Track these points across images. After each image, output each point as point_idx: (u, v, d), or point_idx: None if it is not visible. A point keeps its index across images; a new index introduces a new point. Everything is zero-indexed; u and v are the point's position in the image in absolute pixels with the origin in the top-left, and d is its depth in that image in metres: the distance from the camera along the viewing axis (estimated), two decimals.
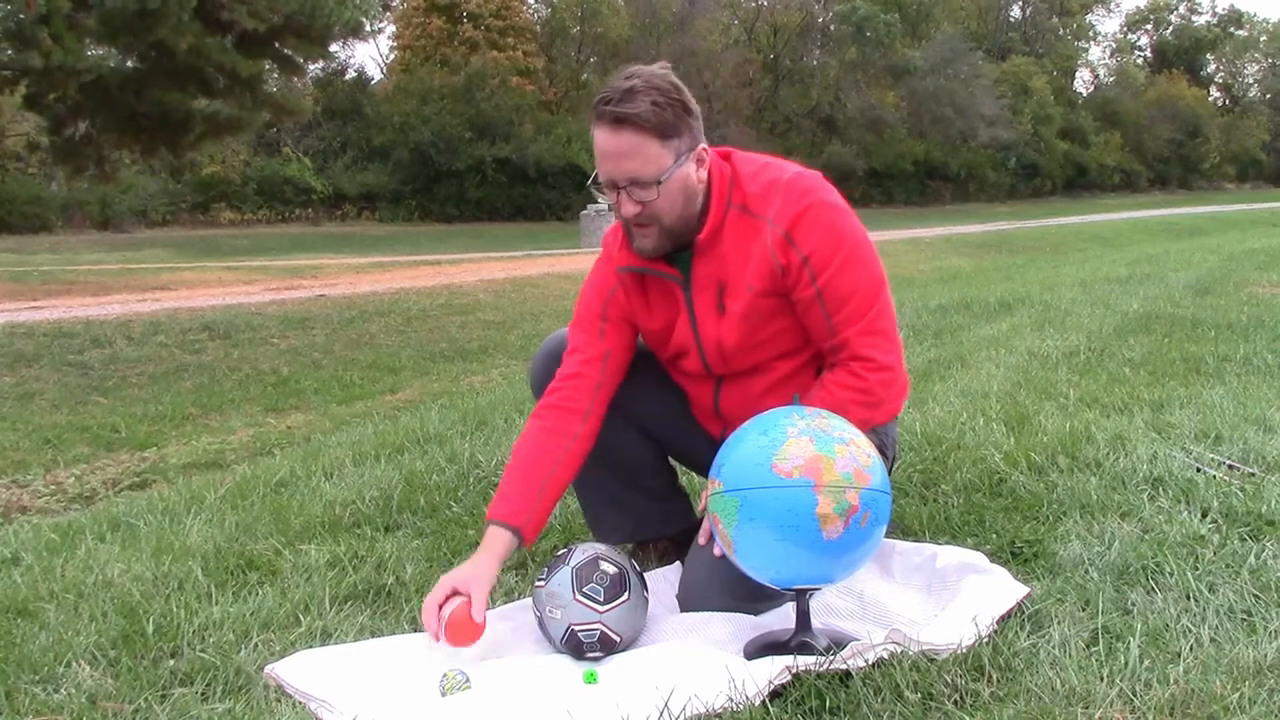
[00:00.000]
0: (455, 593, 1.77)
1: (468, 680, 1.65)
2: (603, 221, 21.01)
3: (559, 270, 14.35)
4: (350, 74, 35.78)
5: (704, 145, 1.84)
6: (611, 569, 1.77)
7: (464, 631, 1.73)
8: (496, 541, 1.86)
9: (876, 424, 1.94)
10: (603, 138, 1.77)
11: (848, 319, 1.84)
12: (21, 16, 8.74)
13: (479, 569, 1.82)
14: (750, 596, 1.83)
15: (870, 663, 1.54)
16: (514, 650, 1.81)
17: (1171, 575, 1.83)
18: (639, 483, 2.16)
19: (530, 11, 39.86)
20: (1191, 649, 1.55)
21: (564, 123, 35.13)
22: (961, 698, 1.47)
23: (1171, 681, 1.44)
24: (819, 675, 1.52)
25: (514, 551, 1.90)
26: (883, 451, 1.80)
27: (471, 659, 1.75)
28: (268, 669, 1.73)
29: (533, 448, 1.94)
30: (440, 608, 1.76)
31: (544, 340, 2.19)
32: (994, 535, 2.13)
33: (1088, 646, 1.59)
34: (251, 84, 10.80)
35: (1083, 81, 60.51)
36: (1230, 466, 2.45)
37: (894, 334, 1.90)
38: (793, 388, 1.93)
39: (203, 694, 1.67)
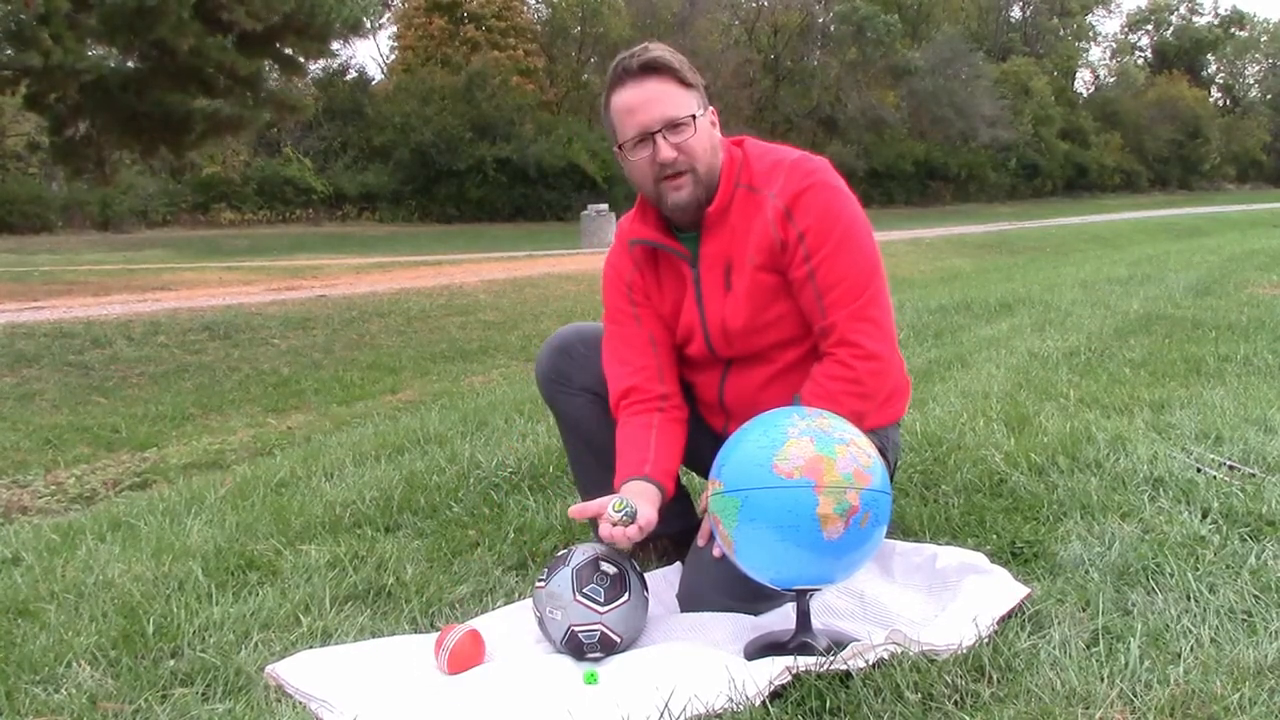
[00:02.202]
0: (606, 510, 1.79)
1: (626, 508, 1.74)
2: (603, 222, 21.03)
3: (559, 271, 14.35)
4: (351, 74, 35.84)
5: (712, 108, 1.91)
6: (611, 569, 1.77)
7: (466, 660, 1.73)
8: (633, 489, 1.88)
9: (876, 423, 1.94)
10: (629, 93, 1.83)
11: (837, 301, 1.86)
12: (22, 16, 8.74)
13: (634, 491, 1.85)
14: (750, 597, 1.83)
15: (870, 663, 1.54)
16: (513, 650, 1.81)
17: (1172, 576, 1.83)
18: None
19: (531, 12, 39.90)
20: (1192, 649, 1.55)
21: (564, 123, 35.15)
22: (962, 698, 1.46)
23: (1172, 682, 1.44)
24: (819, 675, 1.52)
25: (660, 498, 1.90)
26: (883, 454, 1.80)
27: None
28: (268, 669, 1.73)
29: (625, 432, 1.97)
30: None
31: (554, 333, 2.21)
32: (994, 536, 2.13)
33: (1088, 647, 1.59)
34: (252, 83, 10.80)
35: (1083, 82, 60.64)
36: (1230, 467, 2.45)
37: (886, 324, 1.90)
38: (797, 377, 1.94)
39: (203, 694, 1.67)
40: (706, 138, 1.87)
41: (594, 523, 2.20)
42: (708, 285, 1.95)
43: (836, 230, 1.85)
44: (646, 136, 1.83)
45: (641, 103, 1.82)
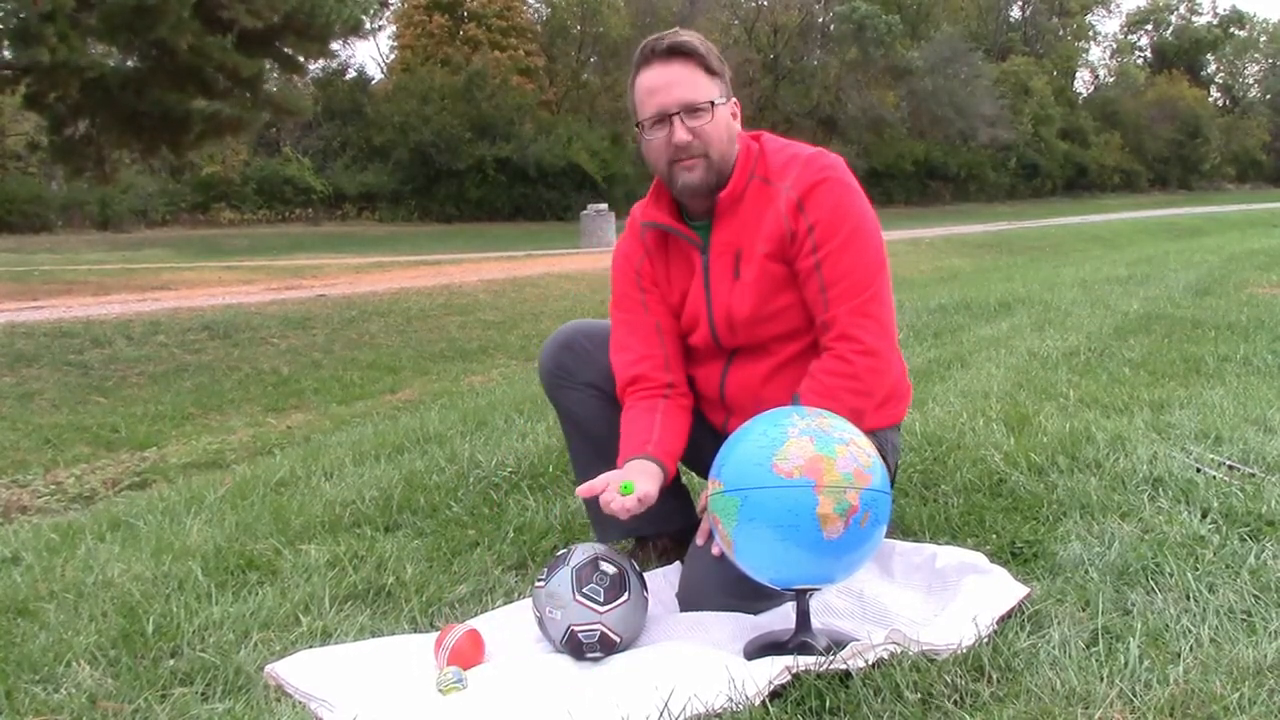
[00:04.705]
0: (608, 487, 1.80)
1: (459, 680, 1.65)
2: (602, 221, 21.02)
3: (559, 270, 14.36)
4: (350, 74, 35.86)
5: (735, 100, 1.94)
6: (611, 569, 1.77)
7: (465, 660, 1.73)
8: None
9: (875, 424, 1.94)
10: (653, 74, 1.87)
11: (841, 296, 1.87)
12: (22, 15, 8.74)
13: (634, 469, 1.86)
14: (750, 596, 1.83)
15: (870, 663, 1.54)
16: (513, 650, 1.81)
17: (1171, 575, 1.83)
18: None
19: (531, 11, 39.89)
20: (1191, 649, 1.55)
21: (564, 122, 35.15)
22: (961, 698, 1.46)
23: (1171, 682, 1.44)
24: (819, 675, 1.52)
25: (662, 476, 1.90)
26: (883, 457, 1.80)
27: None
28: (268, 669, 1.73)
29: (630, 415, 1.98)
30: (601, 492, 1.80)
31: (558, 329, 2.21)
32: (994, 535, 2.13)
33: (1088, 647, 1.59)
34: (252, 83, 10.79)
35: (1083, 82, 60.62)
36: (1230, 467, 2.45)
37: (887, 322, 1.92)
38: (798, 371, 1.95)
39: (203, 694, 1.67)
40: (724, 126, 1.90)
41: (594, 521, 2.21)
42: (716, 273, 1.97)
43: (846, 225, 1.87)
44: (664, 118, 1.86)
45: (663, 84, 1.86)
